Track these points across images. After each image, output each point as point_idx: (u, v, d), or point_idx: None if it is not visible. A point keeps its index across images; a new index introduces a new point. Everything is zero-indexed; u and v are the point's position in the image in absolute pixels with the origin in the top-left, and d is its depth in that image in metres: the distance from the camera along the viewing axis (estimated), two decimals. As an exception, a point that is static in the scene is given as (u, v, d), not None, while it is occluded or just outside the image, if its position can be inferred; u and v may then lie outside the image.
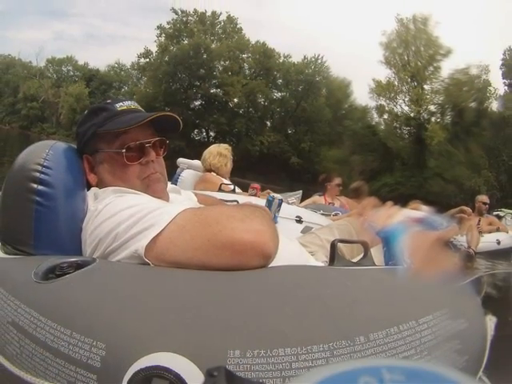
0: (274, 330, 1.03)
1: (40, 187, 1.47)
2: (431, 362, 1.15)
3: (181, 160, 5.64)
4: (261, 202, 3.53)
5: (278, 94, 47.52)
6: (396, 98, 39.85)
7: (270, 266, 1.28)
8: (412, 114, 38.44)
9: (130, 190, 1.56)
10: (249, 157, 39.48)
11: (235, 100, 45.48)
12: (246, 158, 37.42)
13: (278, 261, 1.31)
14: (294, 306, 1.09)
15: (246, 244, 1.22)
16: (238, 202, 2.97)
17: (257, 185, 5.10)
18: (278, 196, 3.50)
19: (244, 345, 0.98)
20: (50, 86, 58.12)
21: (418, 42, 38.22)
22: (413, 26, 38.81)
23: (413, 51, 38.80)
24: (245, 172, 28.22)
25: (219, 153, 5.15)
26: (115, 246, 1.32)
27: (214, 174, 5.07)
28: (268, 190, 5.16)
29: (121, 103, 1.70)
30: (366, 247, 1.66)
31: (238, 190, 4.99)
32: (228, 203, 2.69)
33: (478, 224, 7.68)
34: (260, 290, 1.16)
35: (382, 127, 40.99)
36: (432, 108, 38.49)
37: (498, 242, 7.48)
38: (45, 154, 1.52)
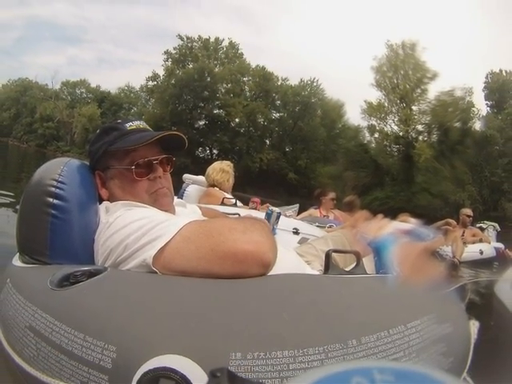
0: (272, 333, 1.03)
1: (55, 201, 1.47)
2: (419, 364, 1.15)
3: (186, 176, 5.64)
4: (260, 214, 3.53)
5: (276, 115, 47.61)
6: (386, 118, 39.93)
7: (269, 274, 1.28)
8: (401, 133, 38.49)
9: (139, 203, 1.56)
10: (249, 173, 39.48)
11: (237, 120, 45.55)
12: (247, 174, 37.43)
13: (277, 269, 1.31)
14: (292, 312, 1.09)
15: (246, 254, 1.22)
16: (239, 214, 2.97)
17: (257, 199, 5.11)
18: (276, 209, 3.49)
19: (245, 347, 0.98)
20: (64, 107, 58.13)
21: (406, 66, 38.34)
22: (402, 52, 38.96)
23: (402, 75, 38.90)
24: (245, 187, 28.21)
25: (222, 169, 5.15)
26: (125, 255, 1.32)
27: (217, 189, 5.07)
28: (267, 204, 5.16)
29: (130, 123, 1.71)
30: (359, 257, 1.66)
31: (239, 203, 4.99)
32: (230, 216, 2.69)
33: (463, 235, 7.69)
34: (260, 297, 1.16)
35: (373, 145, 41.02)
36: (419, 127, 38.57)
37: (481, 252, 7.47)
38: (60, 171, 1.53)
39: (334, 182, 32.12)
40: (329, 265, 1.58)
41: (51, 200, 1.47)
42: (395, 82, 39.55)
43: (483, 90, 40.61)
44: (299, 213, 6.51)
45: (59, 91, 62.50)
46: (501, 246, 8.08)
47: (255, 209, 4.70)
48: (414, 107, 38.88)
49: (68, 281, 1.22)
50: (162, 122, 41.62)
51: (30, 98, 64.00)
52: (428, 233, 2.09)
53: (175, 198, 1.84)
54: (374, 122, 41.50)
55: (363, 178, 37.21)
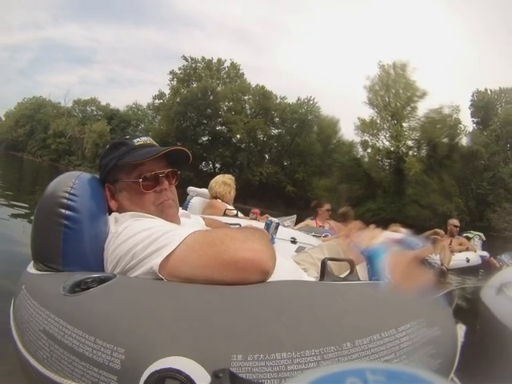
0: (271, 336, 1.03)
1: (67, 212, 1.48)
2: (409, 365, 1.15)
3: (190, 188, 5.65)
4: (260, 225, 3.53)
5: (275, 131, 47.66)
6: (378, 134, 39.99)
7: (268, 280, 1.28)
8: (392, 148, 38.52)
9: (146, 214, 1.56)
10: (250, 186, 39.46)
11: (238, 136, 45.57)
12: (247, 187, 37.42)
13: (276, 276, 1.31)
14: (289, 316, 1.09)
15: (247, 262, 1.22)
16: (240, 225, 2.97)
17: (257, 210, 5.12)
18: (275, 220, 3.49)
19: (246, 349, 0.98)
20: (76, 123, 58.15)
21: (397, 86, 38.43)
22: (393, 72, 39.08)
23: (393, 93, 39.00)
24: (246, 199, 28.22)
25: (224, 182, 5.17)
26: (133, 263, 1.32)
27: (220, 201, 5.08)
28: (266, 215, 5.17)
29: (138, 139, 1.72)
30: (352, 264, 1.66)
31: (240, 214, 5.00)
32: (231, 226, 2.69)
33: (450, 244, 7.69)
34: (259, 302, 1.16)
35: (366, 160, 41.06)
36: (410, 143, 38.62)
37: (468, 260, 7.48)
38: (72, 183, 1.54)
39: (329, 194, 32.13)
40: (324, 272, 1.58)
41: (63, 211, 1.47)
42: (387, 100, 39.64)
43: (469, 108, 40.73)
44: (296, 223, 6.51)
45: (71, 109, 62.67)
46: (486, 254, 8.10)
47: (255, 219, 4.71)
48: (404, 124, 38.96)
49: (79, 287, 1.22)
50: (167, 137, 41.65)
51: (43, 115, 64.67)
52: (417, 242, 2.09)
53: (180, 209, 1.84)
54: (366, 138, 41.60)
55: (357, 190, 37.21)
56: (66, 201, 1.49)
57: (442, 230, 8.30)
